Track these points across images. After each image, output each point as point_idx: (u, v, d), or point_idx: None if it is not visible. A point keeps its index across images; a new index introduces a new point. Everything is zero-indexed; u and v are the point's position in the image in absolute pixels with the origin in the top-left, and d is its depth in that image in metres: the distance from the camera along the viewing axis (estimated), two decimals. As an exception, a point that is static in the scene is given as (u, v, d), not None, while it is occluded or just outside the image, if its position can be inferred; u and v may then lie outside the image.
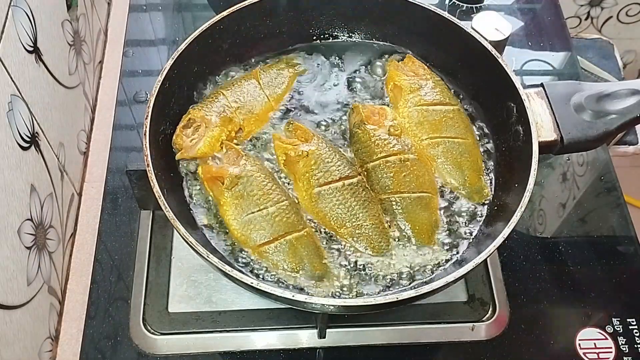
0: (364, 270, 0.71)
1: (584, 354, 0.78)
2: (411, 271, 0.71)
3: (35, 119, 0.77)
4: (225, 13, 0.80)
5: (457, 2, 1.12)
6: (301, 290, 0.69)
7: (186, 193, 0.75)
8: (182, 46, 0.77)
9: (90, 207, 0.90)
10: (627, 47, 1.75)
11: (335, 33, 0.90)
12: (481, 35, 0.80)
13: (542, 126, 0.74)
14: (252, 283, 0.61)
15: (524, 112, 0.73)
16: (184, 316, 0.79)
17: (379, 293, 0.69)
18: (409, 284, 0.70)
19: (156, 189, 0.66)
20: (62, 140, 0.85)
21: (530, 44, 1.11)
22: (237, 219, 0.71)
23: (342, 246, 0.72)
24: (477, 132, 0.81)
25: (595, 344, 0.79)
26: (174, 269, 0.82)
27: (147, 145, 0.69)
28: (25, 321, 0.70)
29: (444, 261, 0.72)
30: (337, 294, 0.69)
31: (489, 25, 0.98)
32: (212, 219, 0.74)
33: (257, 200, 0.71)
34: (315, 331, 0.78)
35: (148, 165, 0.67)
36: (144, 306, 0.79)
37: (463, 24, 0.81)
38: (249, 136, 0.80)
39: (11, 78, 0.70)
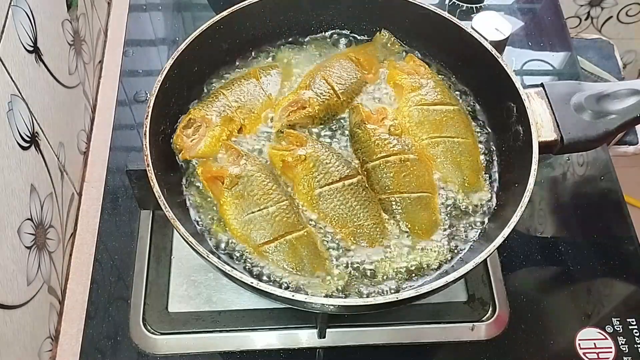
0: (365, 270, 0.71)
1: (584, 354, 0.78)
2: (411, 271, 0.71)
3: (35, 119, 0.77)
4: (225, 13, 0.81)
5: (457, 2, 1.12)
6: (301, 290, 0.69)
7: (186, 192, 0.75)
8: (182, 46, 0.77)
9: (90, 207, 0.90)
10: (627, 47, 1.75)
11: (336, 33, 0.90)
12: (481, 36, 0.80)
13: (542, 126, 0.74)
14: (252, 283, 0.62)
15: (524, 112, 0.73)
16: (184, 316, 0.79)
17: (378, 293, 0.69)
18: (409, 284, 0.70)
19: (156, 188, 0.66)
20: (62, 140, 0.85)
21: (530, 44, 1.11)
22: (237, 219, 0.71)
23: (343, 246, 0.72)
24: (477, 132, 0.81)
25: (595, 344, 0.79)
26: (174, 269, 0.82)
27: (147, 145, 0.69)
28: (25, 321, 0.70)
29: (444, 261, 0.72)
30: (337, 293, 0.69)
31: (489, 25, 0.98)
32: (212, 218, 0.73)
33: (258, 200, 0.71)
34: (315, 331, 0.78)
35: (148, 165, 0.67)
36: (144, 306, 0.79)
37: (463, 24, 0.81)
38: (249, 135, 0.79)
39: (11, 78, 0.70)
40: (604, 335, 0.79)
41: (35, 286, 0.73)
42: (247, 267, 0.70)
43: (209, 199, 0.75)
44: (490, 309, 0.81)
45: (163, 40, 1.12)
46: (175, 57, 0.76)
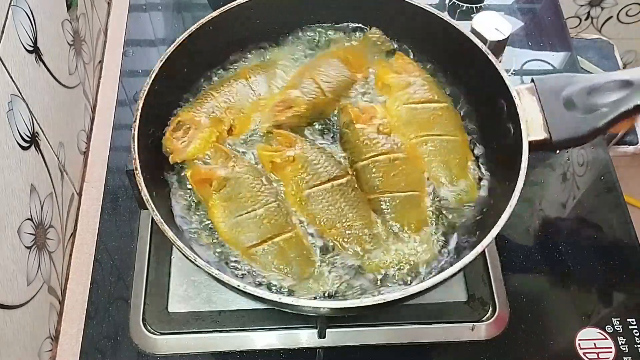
0: (354, 271, 0.71)
1: (584, 354, 0.78)
2: (401, 271, 0.71)
3: (35, 119, 0.77)
4: (214, 14, 0.80)
5: (457, 2, 1.12)
6: (290, 292, 0.69)
7: (175, 195, 0.75)
8: (172, 47, 0.76)
9: (90, 207, 0.90)
10: (627, 47, 1.75)
11: (325, 32, 0.89)
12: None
13: (532, 124, 0.73)
14: (238, 286, 0.61)
15: (514, 110, 0.72)
16: (184, 316, 0.79)
17: (368, 294, 0.69)
18: (399, 284, 0.70)
19: (144, 192, 0.65)
20: (62, 140, 0.85)
21: (530, 44, 1.11)
22: (225, 222, 0.71)
23: (332, 247, 0.72)
24: (467, 130, 0.81)
25: (595, 344, 0.79)
26: (174, 269, 0.82)
27: (136, 148, 0.68)
28: (25, 321, 0.70)
29: (434, 260, 0.72)
30: (327, 294, 0.69)
31: (489, 25, 0.98)
32: (201, 221, 0.73)
33: (245, 203, 0.71)
34: (315, 331, 0.78)
35: (136, 169, 0.67)
36: (144, 306, 0.79)
37: (452, 21, 0.80)
38: (239, 136, 0.79)
39: (11, 78, 0.70)
40: (604, 335, 0.79)
41: (35, 286, 0.73)
42: (236, 270, 0.70)
43: (199, 202, 0.74)
44: (490, 309, 0.81)
45: (163, 40, 1.12)
46: (164, 58, 0.75)
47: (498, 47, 0.93)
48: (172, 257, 0.83)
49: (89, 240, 0.87)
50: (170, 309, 0.79)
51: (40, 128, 0.78)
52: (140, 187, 0.66)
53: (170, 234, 0.64)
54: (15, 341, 0.67)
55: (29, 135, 0.74)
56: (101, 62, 1.07)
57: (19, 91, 0.72)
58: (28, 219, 0.72)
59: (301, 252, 0.70)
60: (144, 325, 0.78)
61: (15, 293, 0.68)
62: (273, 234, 0.70)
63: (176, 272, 0.82)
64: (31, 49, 0.76)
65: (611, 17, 1.66)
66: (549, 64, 1.09)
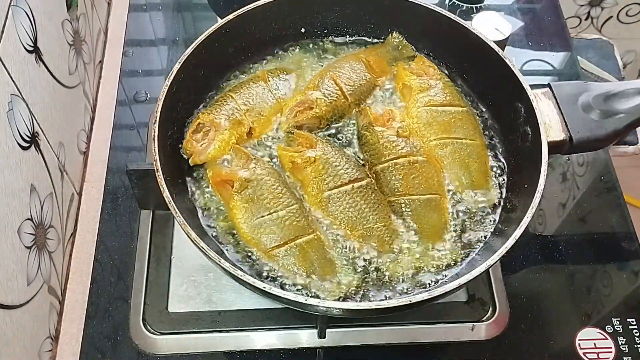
0: (375, 272, 0.70)
1: (584, 354, 0.78)
2: (422, 273, 0.70)
3: (35, 119, 0.77)
4: (231, 17, 0.80)
5: (457, 2, 1.12)
6: (311, 293, 0.68)
7: (193, 197, 0.75)
8: (189, 50, 0.76)
9: (90, 207, 0.90)
10: (627, 47, 1.75)
11: (342, 34, 0.90)
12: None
13: (551, 126, 0.73)
14: (264, 288, 0.61)
15: (532, 112, 0.72)
16: (184, 316, 0.79)
17: (389, 296, 0.69)
18: (420, 286, 0.69)
19: (166, 194, 0.65)
20: (62, 140, 0.85)
21: (530, 44, 1.11)
22: (247, 223, 0.71)
23: (353, 249, 0.72)
24: (485, 134, 0.81)
25: (595, 344, 0.79)
26: (174, 269, 0.82)
27: (156, 150, 0.68)
28: (25, 321, 0.70)
29: (455, 263, 0.71)
30: (348, 296, 0.68)
31: (489, 25, 0.98)
32: (220, 222, 0.73)
33: (267, 204, 0.71)
34: (315, 331, 0.78)
35: (158, 170, 0.67)
36: (144, 306, 0.79)
37: (469, 25, 0.80)
38: (258, 138, 0.79)
39: (11, 78, 0.70)
40: (604, 335, 0.79)
41: (35, 286, 0.73)
42: (255, 271, 0.70)
43: (217, 203, 0.74)
44: (490, 309, 0.81)
45: (163, 40, 1.12)
46: (182, 61, 0.75)
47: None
48: (172, 257, 0.83)
49: (89, 240, 0.87)
50: (170, 309, 0.79)
51: (40, 128, 0.78)
52: (162, 189, 0.66)
53: (193, 235, 0.63)
54: (15, 341, 0.67)
55: (29, 135, 0.74)
56: (101, 62, 1.07)
57: (19, 91, 0.72)
58: (28, 219, 0.72)
59: (323, 254, 0.70)
60: (144, 325, 0.78)
61: (15, 293, 0.68)
62: (295, 235, 0.70)
63: (176, 272, 0.82)
64: (31, 49, 0.76)
65: (611, 17, 1.66)
66: (549, 64, 1.09)
